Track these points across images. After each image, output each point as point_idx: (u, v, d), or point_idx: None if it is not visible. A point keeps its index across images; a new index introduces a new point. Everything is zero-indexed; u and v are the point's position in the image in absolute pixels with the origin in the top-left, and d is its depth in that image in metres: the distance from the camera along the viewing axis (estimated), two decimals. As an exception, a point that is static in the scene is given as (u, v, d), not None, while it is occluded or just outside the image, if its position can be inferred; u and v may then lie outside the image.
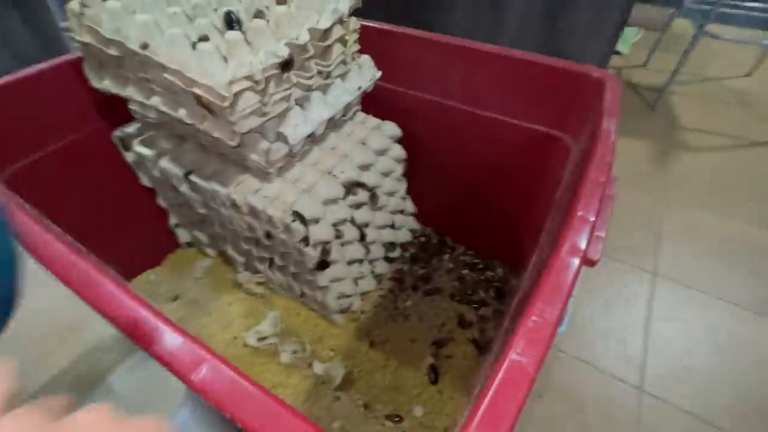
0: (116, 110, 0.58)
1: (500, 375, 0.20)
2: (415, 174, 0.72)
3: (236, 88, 0.41)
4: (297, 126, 0.50)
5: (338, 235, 0.58)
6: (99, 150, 0.62)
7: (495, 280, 0.73)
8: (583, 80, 0.49)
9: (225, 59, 0.43)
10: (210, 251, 0.77)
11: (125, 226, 0.69)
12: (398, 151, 0.67)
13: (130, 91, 0.50)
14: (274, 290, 0.71)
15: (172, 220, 0.74)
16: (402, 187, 0.72)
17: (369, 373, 0.62)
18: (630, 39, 1.65)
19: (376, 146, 0.63)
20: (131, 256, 0.73)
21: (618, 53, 1.59)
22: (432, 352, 0.63)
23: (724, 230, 0.90)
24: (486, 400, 0.19)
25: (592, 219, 0.29)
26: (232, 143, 0.45)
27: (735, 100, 1.33)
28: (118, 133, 0.60)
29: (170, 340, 0.24)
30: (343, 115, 0.61)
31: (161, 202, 0.71)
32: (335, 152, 0.60)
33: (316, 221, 0.54)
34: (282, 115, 0.49)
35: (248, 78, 0.41)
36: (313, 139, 0.57)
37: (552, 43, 0.70)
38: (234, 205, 0.55)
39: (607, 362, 0.67)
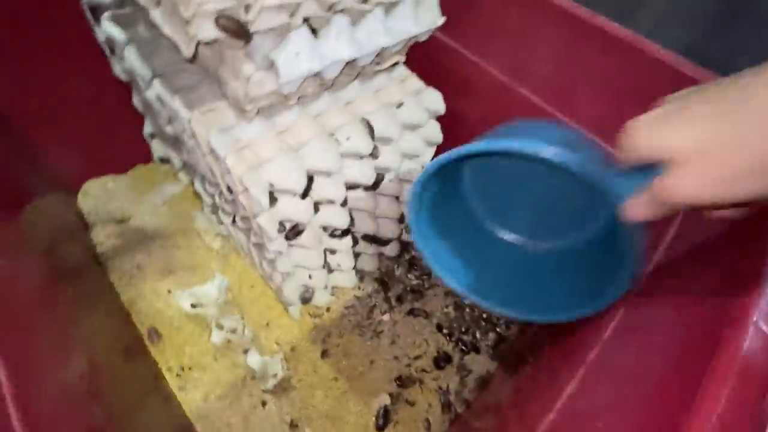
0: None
1: None
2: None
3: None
4: (298, 55, 0.34)
5: (323, 225, 0.44)
6: (67, 15, 0.48)
7: (498, 324, 0.58)
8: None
9: None
10: (183, 176, 0.65)
11: (92, 117, 0.57)
12: (434, 131, 0.51)
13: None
14: (235, 248, 0.58)
15: (147, 128, 0.61)
16: (425, 176, 0.57)
17: (310, 386, 0.50)
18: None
19: (408, 118, 0.47)
20: (94, 152, 0.61)
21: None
22: (392, 389, 0.51)
23: None
24: None
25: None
26: (186, 52, 0.30)
27: None
28: (87, -4, 0.46)
29: None
30: (377, 63, 0.45)
31: (136, 102, 0.57)
32: (349, 109, 0.45)
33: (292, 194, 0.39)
34: (280, 33, 0.34)
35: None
36: (323, 82, 0.41)
37: (709, 49, 0.49)
38: (194, 137, 0.41)
39: None
